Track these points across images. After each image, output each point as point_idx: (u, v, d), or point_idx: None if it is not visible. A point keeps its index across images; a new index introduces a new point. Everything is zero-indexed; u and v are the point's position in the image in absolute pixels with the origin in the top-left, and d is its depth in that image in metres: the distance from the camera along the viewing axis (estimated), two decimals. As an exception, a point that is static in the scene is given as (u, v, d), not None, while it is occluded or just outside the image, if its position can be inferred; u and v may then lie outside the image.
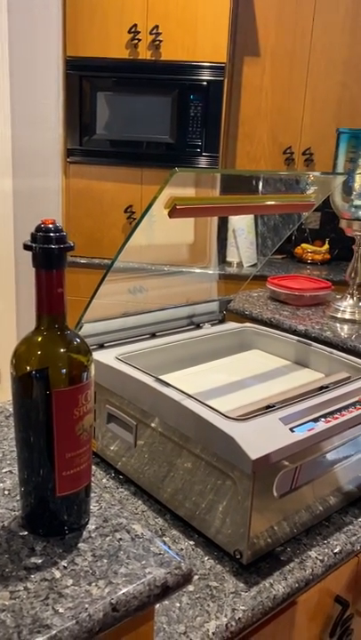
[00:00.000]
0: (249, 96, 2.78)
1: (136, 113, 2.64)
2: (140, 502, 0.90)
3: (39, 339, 0.54)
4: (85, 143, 2.68)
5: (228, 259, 2.81)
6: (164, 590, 0.54)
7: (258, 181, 1.14)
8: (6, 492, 0.65)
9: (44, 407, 0.54)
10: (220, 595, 0.73)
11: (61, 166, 2.71)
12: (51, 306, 0.53)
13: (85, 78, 2.62)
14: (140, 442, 0.91)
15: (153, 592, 0.53)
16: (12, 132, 2.47)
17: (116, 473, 0.97)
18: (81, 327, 1.00)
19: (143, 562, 0.55)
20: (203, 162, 2.66)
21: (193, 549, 0.80)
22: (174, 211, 0.82)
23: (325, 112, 2.74)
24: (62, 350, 0.55)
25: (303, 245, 2.94)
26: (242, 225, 2.78)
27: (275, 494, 0.77)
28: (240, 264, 2.79)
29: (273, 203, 0.88)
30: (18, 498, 0.64)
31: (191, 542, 0.82)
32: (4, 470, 0.69)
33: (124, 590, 0.52)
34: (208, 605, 0.71)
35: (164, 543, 0.59)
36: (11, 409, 0.86)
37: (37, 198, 2.64)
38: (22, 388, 0.55)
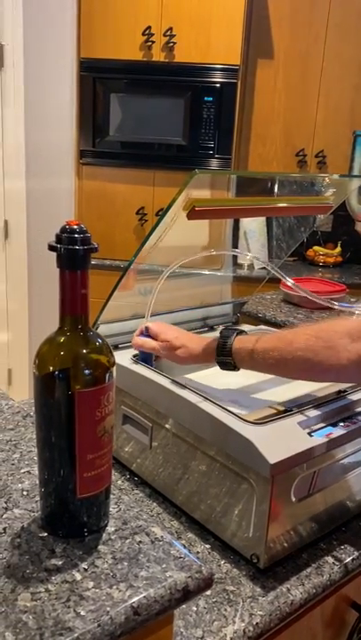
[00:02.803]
0: (262, 98, 2.77)
1: (149, 115, 2.64)
2: (155, 504, 0.90)
3: (62, 339, 0.54)
4: (98, 145, 2.68)
5: (239, 261, 2.80)
6: (185, 594, 0.53)
7: (273, 183, 1.14)
8: (25, 493, 0.65)
9: (66, 408, 0.54)
10: (238, 599, 0.72)
11: (74, 168, 2.71)
12: (74, 306, 0.53)
13: (99, 80, 2.62)
14: (155, 443, 0.91)
15: (174, 596, 0.53)
16: (26, 134, 2.48)
17: (131, 474, 0.96)
18: (97, 328, 0.99)
19: (164, 565, 0.55)
20: (215, 164, 2.66)
21: (209, 553, 0.80)
22: (193, 212, 0.82)
23: (339, 115, 2.73)
24: (85, 351, 0.54)
25: (315, 248, 2.93)
26: (253, 227, 2.78)
27: (292, 499, 0.76)
28: (251, 266, 2.79)
29: (291, 205, 0.88)
30: (37, 498, 0.64)
31: (207, 545, 0.81)
32: (22, 471, 0.69)
33: (145, 594, 0.51)
34: (225, 610, 0.70)
35: (184, 547, 0.59)
36: (27, 409, 0.87)
37: (50, 199, 2.65)
38: (45, 389, 0.54)
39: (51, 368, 0.54)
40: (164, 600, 0.52)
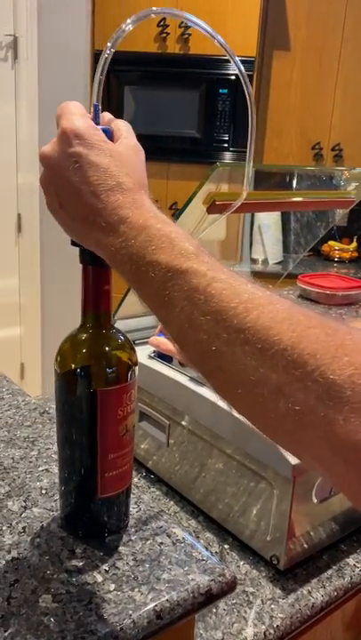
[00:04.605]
0: (278, 91, 2.74)
1: (163, 107, 2.62)
2: (172, 503, 0.89)
3: (84, 336, 0.53)
4: (112, 138, 2.66)
5: (254, 256, 2.78)
6: (209, 598, 0.52)
7: (291, 177, 1.12)
8: (44, 492, 0.64)
9: (87, 406, 0.53)
10: (257, 601, 0.71)
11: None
12: (97, 303, 0.52)
13: (113, 72, 2.60)
14: (172, 441, 0.90)
15: (197, 600, 0.51)
16: (39, 127, 2.47)
17: (147, 472, 0.95)
18: (114, 324, 0.98)
19: (186, 568, 0.54)
20: (230, 157, 2.63)
21: (227, 553, 0.79)
22: (213, 206, 0.80)
23: (356, 108, 2.69)
24: (108, 348, 0.53)
25: (330, 243, 2.90)
26: (268, 221, 2.75)
27: (314, 500, 0.75)
28: (266, 261, 2.76)
29: (313, 199, 0.86)
30: (56, 497, 0.63)
31: (226, 546, 0.80)
32: (40, 469, 0.68)
33: (168, 597, 0.50)
34: (245, 612, 0.69)
35: (206, 549, 0.57)
36: (43, 404, 0.86)
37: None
38: (66, 386, 0.53)
39: (72, 366, 0.52)
40: (186, 604, 0.51)
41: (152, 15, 0.52)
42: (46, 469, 0.68)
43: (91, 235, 0.46)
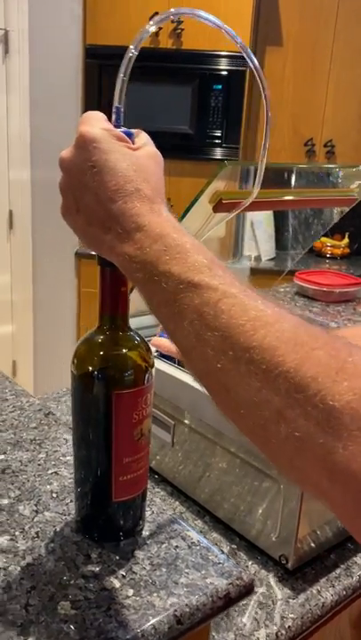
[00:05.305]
0: (270, 86, 2.71)
1: (155, 103, 2.60)
2: (177, 503, 0.88)
3: (101, 339, 0.52)
4: (104, 133, 2.64)
5: (246, 252, 2.78)
6: (227, 602, 0.52)
7: (290, 175, 1.12)
8: (54, 495, 0.63)
9: (103, 409, 0.52)
10: (268, 601, 0.71)
11: (79, 156, 2.68)
12: (114, 305, 0.51)
13: (105, 67, 2.58)
14: (177, 441, 0.89)
15: (216, 604, 0.51)
16: (31, 122, 2.44)
17: (151, 472, 0.95)
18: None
19: (203, 571, 0.53)
20: (223, 153, 2.63)
21: (235, 553, 0.79)
22: (220, 205, 0.80)
23: (348, 103, 2.69)
24: (124, 351, 0.53)
25: (322, 239, 2.91)
26: (260, 217, 2.75)
27: (323, 499, 0.75)
28: (258, 258, 2.76)
29: (317, 197, 0.86)
30: (67, 501, 0.62)
31: (233, 546, 0.80)
32: (49, 472, 0.67)
33: (187, 601, 0.50)
34: (256, 613, 0.69)
35: (222, 552, 0.57)
36: (49, 406, 0.85)
37: (55, 189, 2.60)
38: (82, 389, 0.53)
39: (89, 368, 0.52)
40: (206, 608, 0.50)
41: (170, 17, 0.51)
42: (55, 472, 0.67)
43: (105, 240, 0.45)
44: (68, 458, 0.70)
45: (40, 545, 0.55)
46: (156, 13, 2.33)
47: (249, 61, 0.59)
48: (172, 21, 2.47)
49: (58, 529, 0.58)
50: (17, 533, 0.57)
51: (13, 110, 2.42)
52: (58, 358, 2.82)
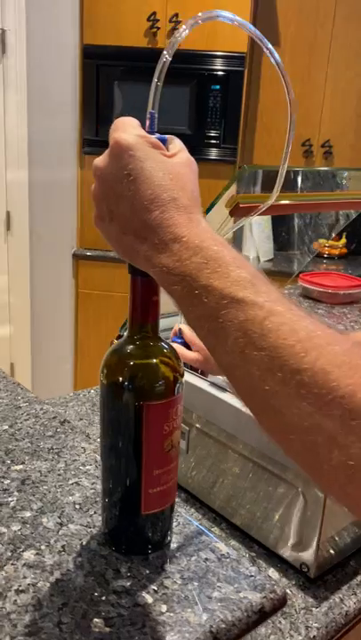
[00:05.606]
0: (268, 87, 2.73)
1: (153, 103, 2.59)
2: (192, 510, 0.87)
3: (132, 348, 0.51)
4: (102, 134, 2.63)
5: (244, 253, 2.77)
6: (262, 616, 0.51)
7: (296, 176, 1.11)
8: (77, 507, 0.62)
9: (133, 420, 0.51)
10: (291, 611, 0.70)
11: (77, 157, 2.66)
12: (145, 314, 0.50)
13: (102, 67, 2.56)
14: (192, 447, 0.88)
15: (251, 619, 0.50)
16: (28, 122, 2.42)
17: (164, 478, 0.94)
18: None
19: (236, 585, 0.52)
20: (221, 154, 2.62)
21: (255, 561, 0.78)
22: (237, 209, 0.79)
23: (345, 104, 2.69)
24: (155, 361, 0.52)
25: (320, 240, 2.91)
26: (258, 218, 2.75)
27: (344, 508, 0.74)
28: (257, 258, 2.76)
29: (338, 200, 0.85)
30: (91, 512, 0.61)
31: (252, 553, 0.79)
32: (70, 482, 0.66)
33: (223, 617, 0.49)
34: (280, 622, 0.68)
35: (253, 563, 0.56)
36: (68, 413, 0.83)
37: (53, 190, 2.59)
38: (112, 399, 0.52)
39: (120, 379, 0.51)
40: (241, 623, 0.50)
41: (199, 22, 0.50)
42: (77, 482, 0.66)
43: (141, 250, 0.44)
44: (87, 467, 0.69)
45: (67, 559, 0.54)
46: (155, 13, 2.32)
47: (277, 67, 0.58)
48: (170, 21, 2.46)
49: (84, 542, 0.57)
50: (43, 547, 0.55)
51: (10, 110, 2.40)
52: (56, 360, 2.80)
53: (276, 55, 0.58)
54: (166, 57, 0.49)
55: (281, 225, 2.78)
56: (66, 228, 2.67)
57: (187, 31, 0.49)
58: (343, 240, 2.91)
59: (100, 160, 0.46)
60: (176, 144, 0.48)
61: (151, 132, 0.47)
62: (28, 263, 2.57)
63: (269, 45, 0.57)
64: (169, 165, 0.45)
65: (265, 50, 0.57)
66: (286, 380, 0.36)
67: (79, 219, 2.71)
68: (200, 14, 0.54)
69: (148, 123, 0.48)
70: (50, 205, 2.58)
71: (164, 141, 0.47)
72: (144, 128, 0.49)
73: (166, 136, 0.49)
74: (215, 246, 0.41)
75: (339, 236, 2.93)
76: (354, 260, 2.88)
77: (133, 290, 0.49)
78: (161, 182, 0.43)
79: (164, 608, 0.50)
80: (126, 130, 0.45)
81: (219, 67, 2.52)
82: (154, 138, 0.46)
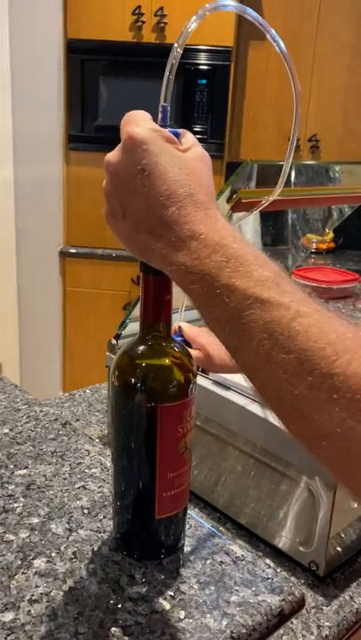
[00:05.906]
0: (254, 81, 2.72)
1: (139, 98, 2.56)
2: (197, 510, 0.86)
3: (144, 349, 0.50)
4: (87, 129, 2.60)
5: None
6: (281, 619, 0.50)
7: (290, 171, 1.10)
8: (85, 512, 0.60)
9: (146, 422, 0.50)
10: (302, 610, 0.69)
11: (62, 153, 2.62)
12: (158, 313, 0.49)
13: (87, 62, 2.53)
14: (197, 447, 0.87)
15: (270, 622, 0.49)
16: (13, 119, 2.38)
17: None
18: (126, 326, 0.95)
19: (253, 588, 0.51)
20: (208, 149, 2.59)
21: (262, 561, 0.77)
22: (239, 204, 0.78)
23: (332, 98, 2.69)
24: (168, 362, 0.50)
25: (307, 235, 2.91)
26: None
27: (353, 505, 0.73)
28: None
29: (339, 194, 0.84)
30: (100, 517, 0.59)
31: (259, 553, 0.78)
32: (76, 486, 0.65)
33: (242, 622, 0.48)
34: (292, 623, 0.67)
35: (269, 566, 0.55)
36: (64, 414, 0.82)
37: (38, 186, 2.56)
38: (124, 401, 0.50)
39: (132, 380, 0.49)
40: (261, 627, 0.49)
41: (206, 13, 0.49)
42: (83, 486, 0.65)
43: (156, 248, 0.42)
44: (93, 470, 0.68)
45: (80, 566, 0.53)
46: (139, 7, 2.27)
47: (283, 57, 0.56)
48: (155, 15, 2.43)
49: (95, 548, 0.55)
50: (53, 554, 0.54)
51: (-6, 106, 2.36)
52: (44, 359, 2.77)
53: (282, 44, 0.57)
54: (177, 50, 0.47)
55: (269, 219, 2.77)
56: (52, 225, 2.64)
57: (195, 24, 0.47)
58: (331, 234, 2.91)
59: (113, 155, 0.44)
60: (189, 138, 0.47)
61: (163, 126, 0.46)
62: (15, 262, 2.53)
63: (276, 36, 0.56)
64: (184, 160, 0.43)
65: (271, 40, 0.56)
66: (317, 384, 0.34)
67: (65, 215, 2.68)
68: (207, 5, 0.52)
69: (160, 116, 0.46)
70: (36, 202, 2.55)
71: (177, 135, 0.45)
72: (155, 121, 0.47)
73: (179, 130, 0.47)
74: (235, 244, 0.40)
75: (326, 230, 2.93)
76: (341, 254, 2.89)
77: (145, 288, 0.48)
78: (177, 177, 0.42)
79: (182, 614, 0.48)
80: (139, 123, 0.44)
81: (205, 61, 2.50)
82: (167, 132, 0.44)
